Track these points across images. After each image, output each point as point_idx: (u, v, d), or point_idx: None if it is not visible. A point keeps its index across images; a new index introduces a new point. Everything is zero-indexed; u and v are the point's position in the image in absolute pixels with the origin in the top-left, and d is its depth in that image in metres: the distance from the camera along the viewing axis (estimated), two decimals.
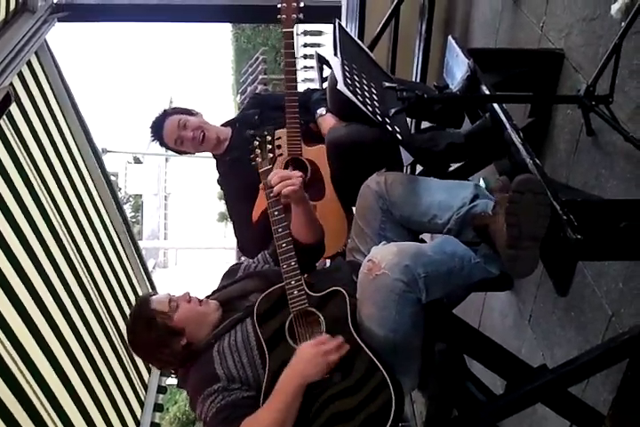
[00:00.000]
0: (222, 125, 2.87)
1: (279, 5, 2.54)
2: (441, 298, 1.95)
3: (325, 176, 2.58)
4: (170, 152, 2.92)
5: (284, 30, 2.57)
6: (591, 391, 2.14)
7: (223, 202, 2.95)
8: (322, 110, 2.69)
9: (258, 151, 2.06)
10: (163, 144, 2.80)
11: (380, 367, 1.67)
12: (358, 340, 1.71)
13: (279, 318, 1.82)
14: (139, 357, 2.08)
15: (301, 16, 2.55)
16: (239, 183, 2.71)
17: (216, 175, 2.88)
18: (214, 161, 2.88)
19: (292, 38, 2.59)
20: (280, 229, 1.92)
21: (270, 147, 2.06)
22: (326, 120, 2.66)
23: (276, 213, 1.94)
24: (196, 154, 2.97)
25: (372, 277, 1.70)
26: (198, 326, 1.93)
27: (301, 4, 2.54)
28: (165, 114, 2.78)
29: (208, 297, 2.07)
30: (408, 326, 1.72)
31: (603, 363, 1.81)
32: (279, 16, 2.55)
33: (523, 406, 1.99)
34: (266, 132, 2.08)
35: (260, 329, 1.82)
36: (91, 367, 3.18)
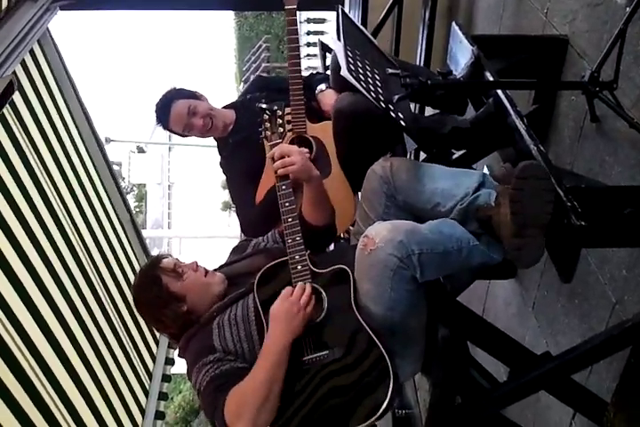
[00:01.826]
0: (225, 107, 2.84)
1: None
2: (444, 284, 1.95)
3: (331, 153, 2.54)
4: (173, 141, 2.90)
5: (287, 7, 2.54)
6: (595, 379, 2.14)
7: (226, 185, 2.89)
8: (322, 86, 2.70)
9: (267, 125, 2.05)
10: (167, 128, 2.75)
11: (379, 344, 1.66)
12: (360, 318, 1.71)
13: (280, 291, 1.81)
14: (141, 316, 2.06)
15: None
16: (242, 166, 2.69)
17: (218, 158, 2.85)
18: (216, 143, 2.85)
19: (295, 15, 2.55)
20: (287, 204, 1.92)
21: (280, 121, 2.05)
22: (327, 95, 2.66)
23: (283, 186, 1.94)
24: (200, 141, 2.93)
25: (367, 253, 1.70)
26: (200, 295, 1.94)
27: None
28: (172, 97, 2.70)
29: (215, 271, 2.08)
30: (405, 305, 1.72)
31: (606, 350, 1.81)
32: None
33: (526, 394, 2.00)
34: (276, 107, 2.06)
35: (261, 303, 1.82)
36: (95, 356, 3.18)
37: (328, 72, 2.88)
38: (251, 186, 2.63)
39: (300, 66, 2.57)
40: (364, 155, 2.06)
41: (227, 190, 2.97)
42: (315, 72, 2.96)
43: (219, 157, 2.85)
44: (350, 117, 2.20)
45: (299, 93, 2.54)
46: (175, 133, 2.81)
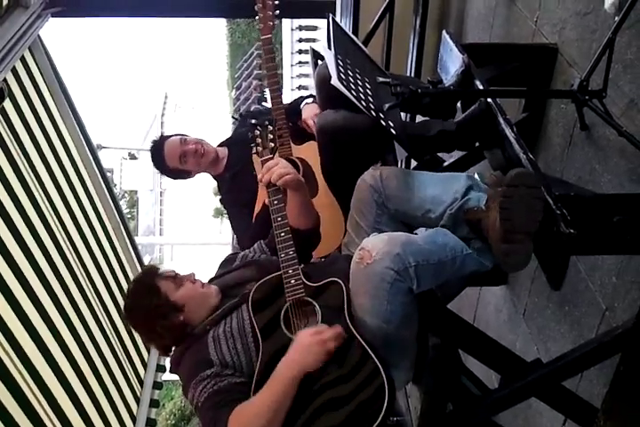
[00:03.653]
0: (218, 146, 2.94)
1: (257, 17, 2.62)
2: (435, 292, 1.96)
3: (317, 173, 2.58)
4: None
5: (262, 37, 2.64)
6: (585, 385, 2.15)
7: (227, 218, 3.02)
8: (309, 99, 2.76)
9: (258, 140, 2.05)
10: (163, 167, 2.87)
11: (373, 356, 1.66)
12: (354, 331, 1.71)
13: (274, 307, 1.82)
14: (132, 325, 2.01)
15: (277, 22, 2.64)
16: (241, 195, 2.76)
17: (219, 196, 2.97)
18: (216, 183, 2.95)
19: (271, 44, 2.63)
20: (279, 219, 1.93)
21: (271, 136, 2.05)
22: (308, 109, 2.71)
23: (275, 202, 1.94)
24: (195, 177, 3.00)
25: (364, 266, 1.70)
26: (198, 306, 1.92)
27: (277, 12, 2.61)
28: (164, 138, 2.87)
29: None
30: (400, 317, 1.72)
31: (596, 357, 1.82)
32: (257, 27, 2.66)
33: (517, 401, 2.00)
34: (267, 122, 2.07)
35: (255, 317, 1.81)
36: (87, 363, 3.17)
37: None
38: (249, 214, 2.68)
39: (280, 91, 2.63)
40: (349, 171, 2.08)
41: (218, 197, 3.04)
42: (299, 97, 3.02)
43: (219, 195, 2.97)
44: (332, 134, 2.23)
45: (281, 118, 2.58)
46: (172, 175, 2.92)
